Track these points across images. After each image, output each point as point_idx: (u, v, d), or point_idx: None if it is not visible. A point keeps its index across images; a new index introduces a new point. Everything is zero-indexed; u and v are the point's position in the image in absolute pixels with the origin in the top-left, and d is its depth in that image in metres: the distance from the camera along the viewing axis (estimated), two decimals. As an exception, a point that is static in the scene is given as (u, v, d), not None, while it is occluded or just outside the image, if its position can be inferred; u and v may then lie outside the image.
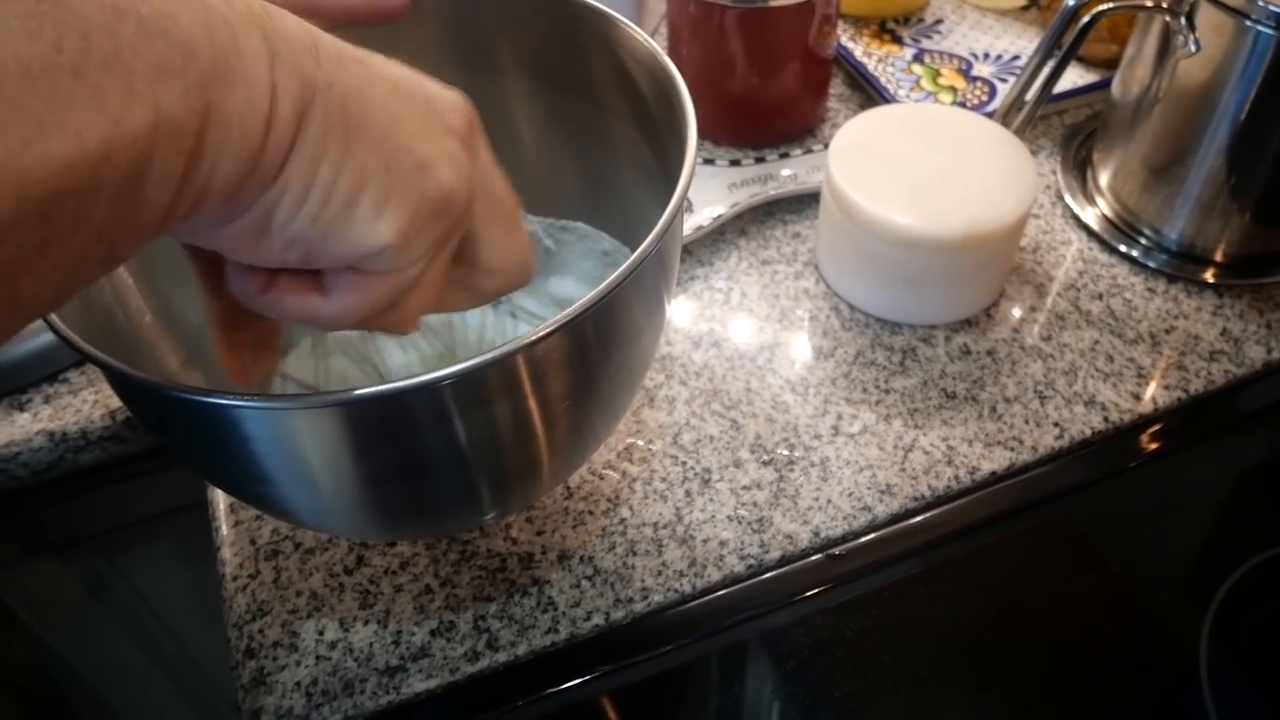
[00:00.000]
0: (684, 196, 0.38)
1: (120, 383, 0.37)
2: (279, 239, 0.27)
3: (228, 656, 0.51)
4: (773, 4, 0.66)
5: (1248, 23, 0.54)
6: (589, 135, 0.52)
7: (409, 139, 0.28)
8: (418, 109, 0.29)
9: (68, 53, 0.21)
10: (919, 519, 0.54)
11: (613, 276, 0.35)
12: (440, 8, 0.49)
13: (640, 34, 0.45)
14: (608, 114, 0.49)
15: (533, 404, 0.38)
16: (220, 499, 0.56)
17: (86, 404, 0.60)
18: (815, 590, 0.52)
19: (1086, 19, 0.60)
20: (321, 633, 0.50)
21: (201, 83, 0.23)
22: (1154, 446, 0.58)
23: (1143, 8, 0.59)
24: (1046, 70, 0.64)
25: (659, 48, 0.44)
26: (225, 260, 0.30)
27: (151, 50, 0.22)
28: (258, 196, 0.26)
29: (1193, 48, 0.57)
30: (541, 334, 0.34)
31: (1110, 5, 0.60)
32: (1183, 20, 0.57)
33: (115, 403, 0.60)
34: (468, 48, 0.51)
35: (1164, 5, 0.58)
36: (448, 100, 0.30)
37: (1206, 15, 0.56)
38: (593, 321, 0.36)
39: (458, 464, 0.39)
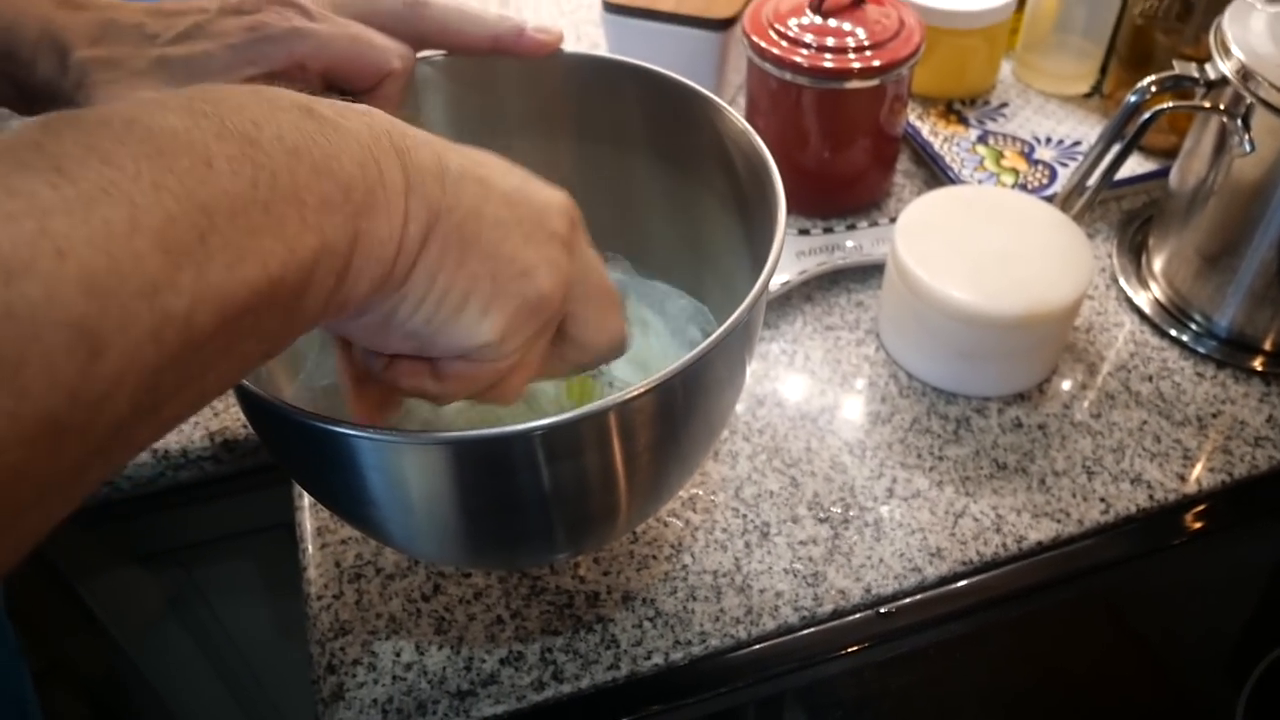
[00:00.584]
0: (771, 273, 0.42)
1: (251, 404, 0.40)
2: (397, 333, 0.32)
3: (309, 671, 0.55)
4: (848, 86, 0.69)
5: (1302, 129, 0.57)
6: (684, 200, 0.56)
7: (515, 249, 0.33)
8: (526, 218, 0.33)
9: (261, 189, 0.25)
10: (966, 582, 0.57)
11: (704, 344, 0.38)
12: (576, 89, 0.54)
13: (739, 119, 0.49)
14: (703, 185, 0.54)
15: (618, 455, 0.42)
16: (308, 522, 0.60)
17: (188, 425, 0.64)
18: (864, 645, 0.55)
19: (1147, 115, 0.64)
20: (398, 654, 0.54)
21: (355, 214, 0.28)
22: (1197, 526, 0.60)
23: (1201, 108, 0.62)
24: (1108, 159, 0.67)
25: (755, 134, 0.48)
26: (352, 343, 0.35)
27: (320, 187, 0.27)
28: (382, 303, 0.31)
29: (1248, 148, 0.60)
30: (635, 393, 0.37)
31: (1170, 104, 0.63)
32: (1239, 122, 0.60)
33: (215, 425, 0.64)
34: (597, 120, 0.55)
35: (1221, 107, 0.61)
36: (553, 205, 0.35)
37: (1261, 119, 0.59)
38: (682, 383, 0.40)
39: (544, 505, 0.43)
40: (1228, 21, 0.62)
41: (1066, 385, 0.66)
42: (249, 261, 0.25)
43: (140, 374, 0.22)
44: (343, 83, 0.46)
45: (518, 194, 0.34)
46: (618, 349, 0.40)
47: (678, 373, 0.38)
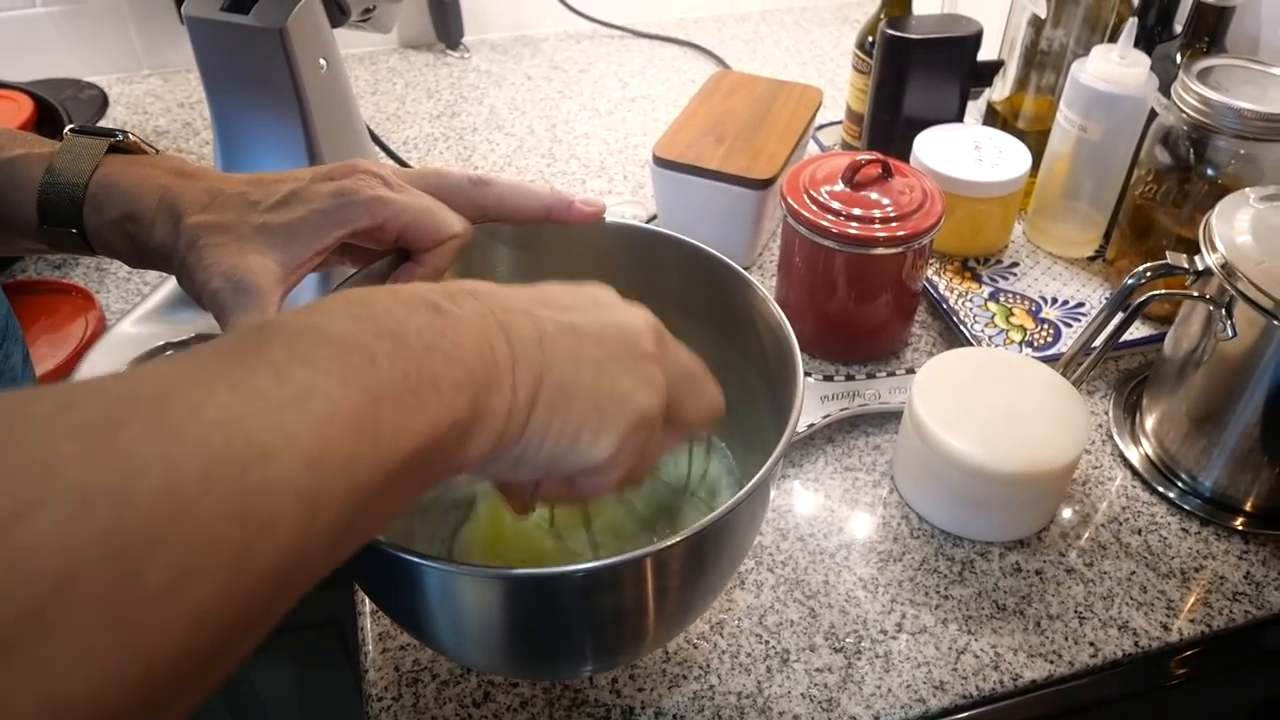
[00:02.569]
0: (790, 440, 0.49)
1: None
2: (527, 468, 0.39)
3: (368, 765, 0.60)
4: (874, 252, 0.77)
5: (1275, 322, 0.64)
6: (718, 358, 0.63)
7: (613, 381, 0.40)
8: (617, 350, 0.41)
9: (410, 380, 0.33)
10: (966, 715, 0.63)
11: (734, 499, 0.45)
12: (631, 261, 0.62)
13: (771, 302, 0.56)
14: (732, 344, 0.61)
15: (650, 591, 0.49)
16: (369, 627, 0.66)
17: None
18: (871, 767, 0.61)
19: (1142, 298, 0.71)
20: (451, 755, 0.60)
21: (477, 391, 0.35)
22: (1179, 672, 0.66)
23: (1189, 296, 0.69)
24: (1109, 329, 0.74)
25: (784, 316, 0.55)
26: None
27: (451, 374, 0.34)
28: (506, 452, 0.38)
29: (1230, 333, 0.67)
30: (669, 544, 0.44)
31: (1161, 292, 0.71)
32: (1223, 310, 0.67)
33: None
34: (638, 279, 0.63)
35: (1207, 297, 0.68)
36: (638, 326, 0.42)
37: (1242, 309, 0.66)
38: (710, 533, 0.46)
39: (582, 628, 0.50)
40: (1216, 217, 0.70)
41: (1064, 532, 0.72)
42: (405, 437, 0.32)
43: (336, 529, 0.29)
44: (412, 243, 0.53)
45: (606, 330, 0.41)
46: (716, 416, 0.47)
47: (709, 525, 0.45)
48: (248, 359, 0.29)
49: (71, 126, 0.52)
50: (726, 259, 0.59)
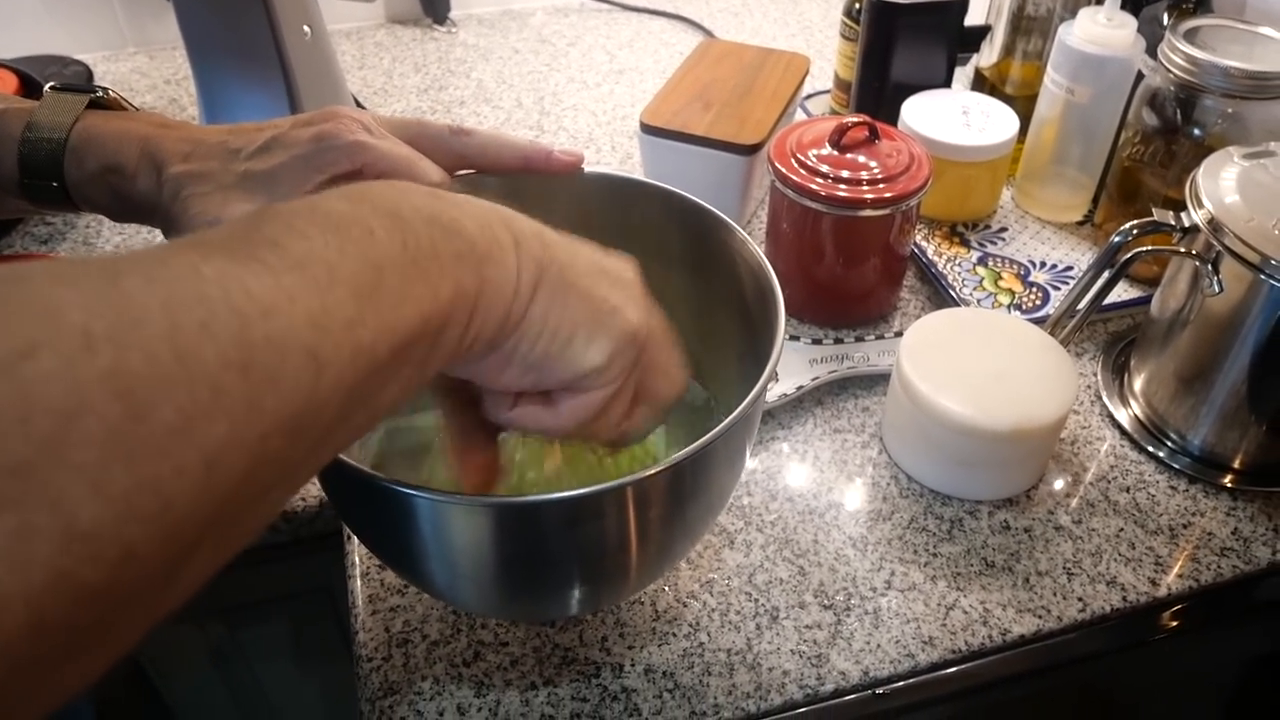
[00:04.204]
0: (769, 378, 0.49)
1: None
2: (518, 367, 0.39)
3: (359, 726, 0.61)
4: (861, 214, 0.77)
5: (1262, 276, 0.64)
6: (702, 306, 0.63)
7: (605, 293, 0.41)
8: (606, 271, 0.42)
9: (410, 249, 0.33)
10: (955, 669, 0.63)
11: (711, 433, 0.46)
12: (614, 209, 0.62)
13: (753, 245, 0.57)
14: (718, 294, 0.61)
15: (632, 520, 0.49)
16: (360, 590, 0.66)
17: (253, 497, 0.71)
18: (861, 722, 0.61)
19: (1129, 255, 0.71)
20: (441, 714, 0.60)
21: (479, 263, 0.36)
22: (1167, 627, 0.67)
23: (1176, 252, 0.70)
24: (1095, 288, 0.75)
25: (764, 258, 0.56)
26: (475, 394, 0.43)
27: (451, 245, 0.35)
28: (505, 339, 0.38)
29: (1217, 289, 0.67)
30: (650, 472, 0.45)
31: (1148, 248, 0.71)
32: (1209, 266, 0.67)
33: (277, 498, 0.71)
34: (625, 231, 0.63)
35: (1194, 252, 0.69)
36: (625, 265, 0.44)
37: (1229, 265, 0.66)
38: (690, 466, 0.47)
39: (568, 559, 0.51)
40: (1203, 174, 0.70)
41: (1052, 491, 0.73)
42: (408, 304, 0.32)
43: (345, 388, 0.30)
44: None
45: (593, 254, 0.42)
46: (683, 391, 0.47)
47: (687, 456, 0.45)
48: (247, 236, 0.30)
49: (52, 84, 0.52)
50: (709, 206, 0.59)
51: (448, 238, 0.35)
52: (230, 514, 0.27)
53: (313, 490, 0.72)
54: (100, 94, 0.52)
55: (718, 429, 0.46)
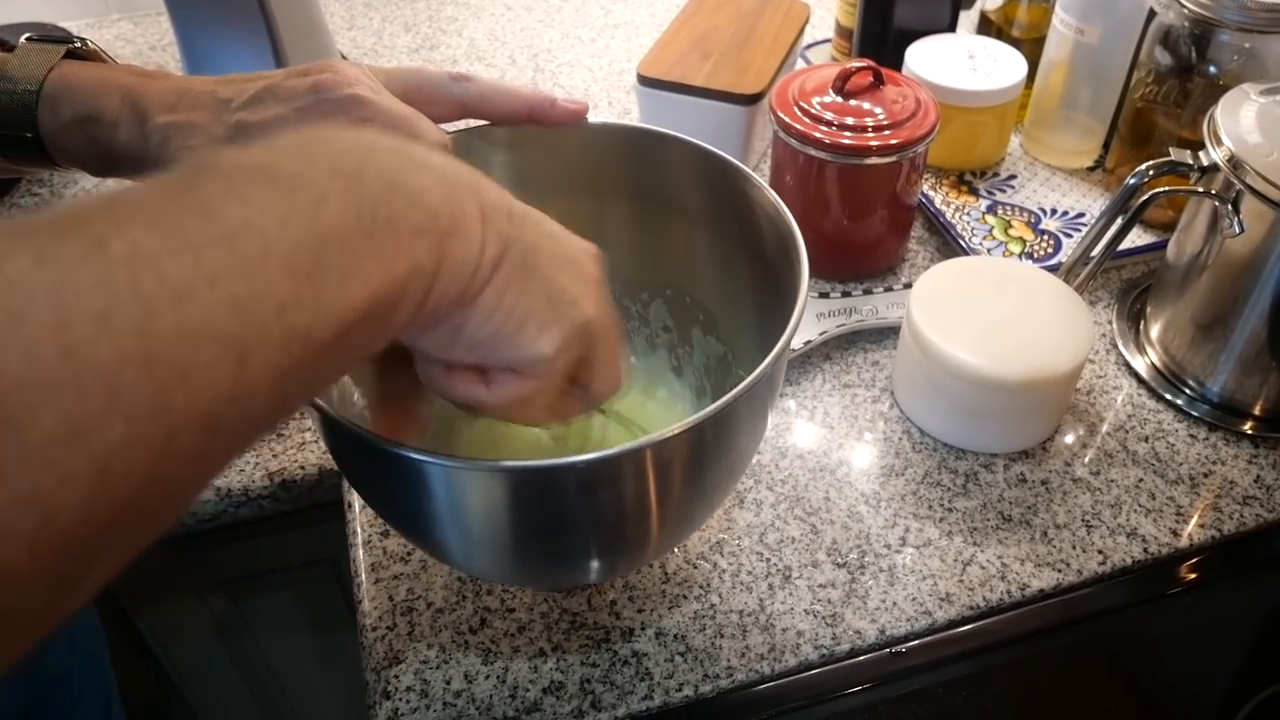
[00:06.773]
0: (793, 332, 0.47)
1: (333, 430, 0.45)
2: (465, 343, 0.37)
3: (364, 697, 0.59)
4: (867, 162, 0.75)
5: (1285, 214, 0.62)
6: (719, 257, 0.61)
7: (567, 282, 0.39)
8: (569, 259, 0.40)
9: (364, 221, 0.31)
10: (973, 626, 0.61)
11: (732, 393, 0.44)
12: (633, 162, 0.60)
13: (772, 195, 0.54)
14: (735, 246, 0.59)
15: (652, 487, 0.47)
16: (362, 558, 0.64)
17: (249, 465, 0.69)
18: (878, 682, 0.59)
19: (1146, 196, 0.69)
20: (448, 682, 0.58)
21: (441, 238, 0.33)
22: (1188, 578, 0.65)
23: (1195, 193, 0.67)
24: (1110, 234, 0.72)
25: (785, 208, 0.53)
26: (414, 355, 0.40)
27: (411, 217, 0.32)
28: (458, 314, 0.36)
29: (1237, 229, 0.65)
30: (670, 433, 0.43)
31: (1165, 189, 0.68)
32: (1229, 206, 0.65)
33: (274, 465, 0.69)
34: (639, 182, 0.61)
35: (1213, 191, 0.66)
36: (587, 253, 0.41)
37: (1250, 204, 0.64)
38: (711, 426, 0.45)
39: (586, 526, 0.49)
40: (1220, 112, 0.68)
41: (1068, 443, 0.71)
42: (355, 282, 0.30)
43: (275, 378, 0.27)
44: None
45: (563, 237, 0.40)
46: (619, 387, 0.45)
47: (708, 417, 0.43)
48: (176, 197, 0.27)
49: (28, 35, 0.50)
50: (720, 151, 0.57)
51: (409, 208, 0.32)
52: (134, 515, 0.24)
53: (312, 459, 0.70)
54: (78, 44, 0.49)
55: (740, 387, 0.44)
